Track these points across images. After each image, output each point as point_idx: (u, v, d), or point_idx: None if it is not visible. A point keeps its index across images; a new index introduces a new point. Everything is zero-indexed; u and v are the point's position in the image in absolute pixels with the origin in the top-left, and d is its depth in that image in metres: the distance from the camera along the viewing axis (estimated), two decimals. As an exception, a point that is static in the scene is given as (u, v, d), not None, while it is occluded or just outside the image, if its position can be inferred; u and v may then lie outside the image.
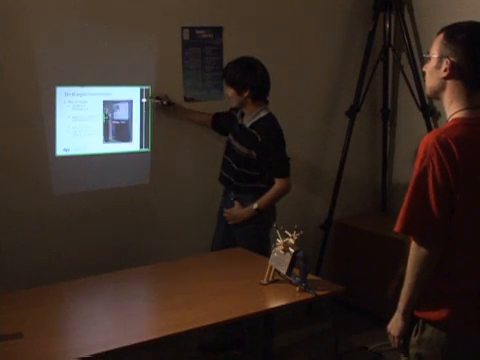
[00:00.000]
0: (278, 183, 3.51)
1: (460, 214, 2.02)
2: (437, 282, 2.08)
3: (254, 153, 3.49)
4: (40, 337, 2.52)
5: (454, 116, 2.07)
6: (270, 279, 3.05)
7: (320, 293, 2.94)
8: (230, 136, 3.66)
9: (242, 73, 3.48)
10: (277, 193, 3.53)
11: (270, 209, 3.59)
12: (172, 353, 3.63)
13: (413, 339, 2.14)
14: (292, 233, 3.01)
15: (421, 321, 2.12)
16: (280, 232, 3.03)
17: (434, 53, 2.09)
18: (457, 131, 2.03)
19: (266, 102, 3.56)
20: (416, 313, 2.13)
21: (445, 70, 2.06)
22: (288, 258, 2.95)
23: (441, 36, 2.09)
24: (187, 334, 2.61)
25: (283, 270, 2.98)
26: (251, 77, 3.49)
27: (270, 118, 3.53)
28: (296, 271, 2.98)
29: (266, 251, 3.38)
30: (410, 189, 2.05)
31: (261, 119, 3.51)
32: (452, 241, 2.04)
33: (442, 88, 2.09)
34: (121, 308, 2.83)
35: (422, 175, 2.01)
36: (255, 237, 3.59)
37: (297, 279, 2.95)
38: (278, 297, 2.97)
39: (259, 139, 3.46)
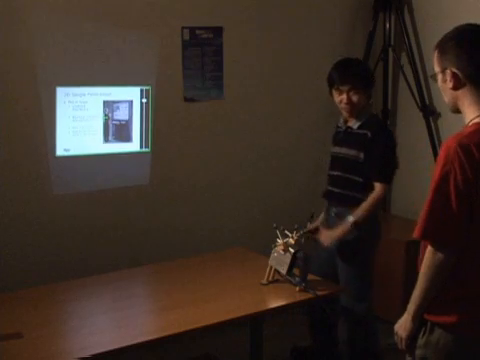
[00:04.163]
0: (377, 188, 3.11)
1: (475, 219, 2.00)
2: (448, 285, 2.06)
3: (362, 154, 3.16)
4: (40, 337, 2.52)
5: (475, 120, 2.05)
6: (270, 279, 3.04)
7: (320, 293, 2.94)
8: (334, 149, 3.36)
9: (369, 74, 3.29)
10: (374, 201, 3.11)
11: (374, 223, 3.25)
12: (172, 353, 3.64)
13: (420, 341, 2.13)
14: (292, 233, 3.01)
15: (429, 323, 2.10)
16: (280, 232, 3.03)
17: (436, 69, 2.11)
18: (478, 136, 2.00)
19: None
20: (425, 315, 2.11)
21: (450, 81, 2.06)
22: (288, 258, 2.95)
23: (436, 52, 2.11)
24: (187, 334, 2.62)
25: (283, 270, 2.98)
26: (369, 72, 3.31)
27: (378, 117, 3.30)
28: (296, 271, 2.98)
29: (368, 273, 3.28)
30: (430, 195, 2.01)
31: (370, 118, 3.24)
32: (466, 246, 2.02)
33: (456, 99, 2.09)
34: (121, 308, 2.83)
35: (443, 181, 1.98)
36: (360, 253, 3.24)
37: (297, 279, 2.95)
38: (278, 297, 2.97)
39: (369, 135, 3.15)
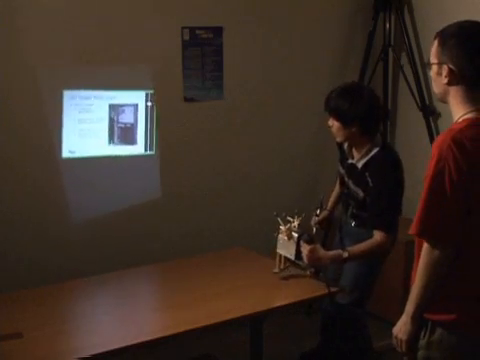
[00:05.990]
0: (376, 236, 2.94)
1: (473, 215, 1.99)
2: (448, 283, 2.05)
3: (368, 199, 3.02)
4: (40, 337, 2.52)
5: (465, 117, 2.05)
6: (282, 267, 3.04)
7: (321, 292, 2.94)
8: (341, 170, 3.25)
9: (350, 104, 2.98)
10: (372, 246, 2.93)
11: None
12: (172, 353, 3.64)
13: (422, 341, 2.11)
14: (293, 218, 3.01)
15: (430, 323, 2.08)
16: (282, 219, 3.02)
17: (433, 60, 2.09)
18: (471, 131, 2.01)
19: (375, 134, 3.05)
20: (426, 315, 2.09)
21: (445, 76, 2.05)
22: (294, 243, 2.94)
23: (436, 42, 2.08)
24: (187, 334, 2.61)
25: (291, 255, 2.96)
26: (360, 108, 2.98)
27: (383, 156, 3.01)
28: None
29: (371, 281, 3.20)
30: (425, 191, 2.00)
31: (373, 158, 3.01)
32: (465, 242, 2.01)
33: (447, 93, 2.08)
34: (121, 308, 2.83)
35: (438, 178, 1.97)
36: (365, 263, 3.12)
37: (306, 263, 2.94)
38: (278, 297, 2.97)
39: (370, 184, 2.98)
